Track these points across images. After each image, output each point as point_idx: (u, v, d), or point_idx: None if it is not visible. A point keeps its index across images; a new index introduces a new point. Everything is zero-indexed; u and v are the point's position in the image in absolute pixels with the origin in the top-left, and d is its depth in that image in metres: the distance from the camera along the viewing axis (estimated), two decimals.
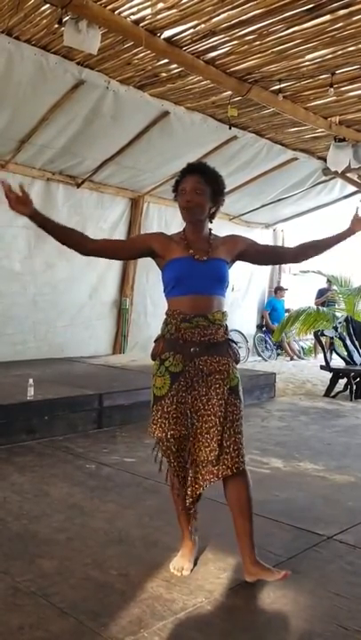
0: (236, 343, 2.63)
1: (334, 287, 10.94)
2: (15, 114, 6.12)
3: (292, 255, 2.84)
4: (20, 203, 2.64)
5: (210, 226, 2.65)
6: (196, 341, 2.46)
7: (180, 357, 2.47)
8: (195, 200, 2.51)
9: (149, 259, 2.66)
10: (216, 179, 2.58)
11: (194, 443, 2.46)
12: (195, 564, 2.57)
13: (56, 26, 4.81)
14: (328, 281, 11.63)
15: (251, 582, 2.42)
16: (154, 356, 2.57)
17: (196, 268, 2.48)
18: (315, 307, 9.57)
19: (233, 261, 2.63)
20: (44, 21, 4.88)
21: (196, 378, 2.46)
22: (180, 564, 2.54)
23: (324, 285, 11.96)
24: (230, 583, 2.45)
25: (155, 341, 2.60)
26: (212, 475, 2.42)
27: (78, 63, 5.65)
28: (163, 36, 5.07)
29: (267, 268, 11.72)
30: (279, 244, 11.96)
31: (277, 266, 12.13)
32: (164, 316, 2.56)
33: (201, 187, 2.52)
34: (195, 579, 2.47)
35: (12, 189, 2.56)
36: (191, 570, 2.53)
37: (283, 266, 12.27)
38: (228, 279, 2.58)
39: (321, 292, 12.11)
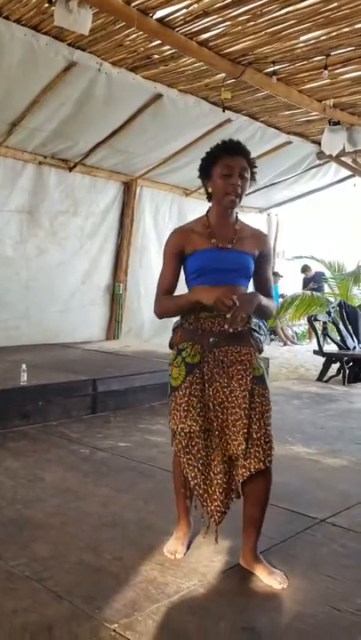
0: (258, 332, 2.48)
1: (323, 271, 10.95)
2: (5, 96, 6.03)
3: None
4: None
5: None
6: (215, 331, 2.34)
7: (198, 348, 2.36)
8: (243, 186, 2.34)
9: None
10: (254, 162, 2.42)
11: (221, 437, 2.33)
12: (188, 547, 2.58)
13: (46, 5, 4.73)
14: (303, 270, 11.72)
15: (244, 567, 2.43)
16: (171, 345, 2.46)
17: (219, 258, 2.35)
18: (308, 292, 9.58)
19: (255, 258, 2.46)
20: (34, 0, 4.79)
21: (216, 369, 2.34)
22: (173, 547, 2.55)
23: (311, 273, 11.99)
24: (224, 566, 2.46)
25: (173, 330, 2.48)
26: (245, 469, 2.30)
27: (69, 44, 5.56)
28: (155, 17, 4.99)
29: None
30: (273, 229, 11.95)
31: (272, 251, 12.09)
32: None
33: (246, 171, 2.35)
34: (188, 562, 2.48)
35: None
36: (185, 553, 2.54)
37: (277, 251, 12.26)
38: (251, 272, 2.43)
39: (305, 282, 12.14)
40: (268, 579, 2.32)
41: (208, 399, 2.35)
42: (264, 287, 2.52)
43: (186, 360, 2.36)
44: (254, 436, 2.31)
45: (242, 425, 2.31)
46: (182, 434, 2.34)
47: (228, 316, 2.19)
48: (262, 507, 2.40)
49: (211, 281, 2.34)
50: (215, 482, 2.34)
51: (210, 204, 2.48)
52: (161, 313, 2.45)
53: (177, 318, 2.50)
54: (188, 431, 2.33)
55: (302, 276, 12.39)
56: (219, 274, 2.34)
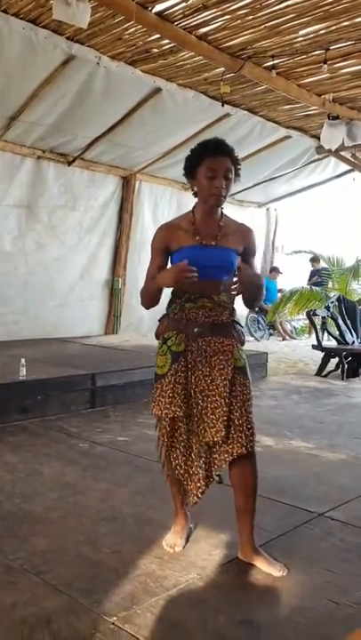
0: (240, 325, 2.57)
1: (322, 265, 10.91)
2: (4, 90, 6.01)
3: None
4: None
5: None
6: (200, 322, 2.43)
7: (182, 337, 2.44)
8: (227, 187, 2.40)
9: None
10: (238, 160, 2.46)
11: (199, 424, 2.42)
12: (187, 540, 2.59)
13: None
14: (312, 260, 11.63)
15: (243, 559, 2.44)
16: (157, 335, 2.55)
17: (203, 255, 2.39)
18: (307, 287, 9.57)
19: (240, 253, 2.51)
20: None
21: (199, 358, 2.43)
22: (172, 540, 2.56)
23: (319, 266, 11.93)
24: (222, 560, 2.47)
25: (159, 320, 2.56)
26: (227, 454, 2.39)
27: (68, 38, 5.54)
28: (154, 10, 4.98)
29: (259, 248, 11.69)
30: (273, 223, 11.95)
31: (270, 245, 12.10)
32: (170, 296, 2.51)
33: (230, 171, 2.39)
34: (187, 555, 2.49)
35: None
36: (183, 547, 2.54)
37: (276, 245, 12.25)
38: (235, 267, 2.44)
39: (312, 274, 12.08)
40: (268, 568, 2.35)
41: (190, 387, 2.43)
42: None
43: (171, 348, 2.44)
44: (236, 423, 2.38)
45: (221, 412, 2.38)
46: (167, 419, 2.43)
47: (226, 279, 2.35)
48: (252, 496, 2.43)
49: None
50: (195, 464, 2.44)
51: (196, 199, 2.50)
52: (142, 302, 2.57)
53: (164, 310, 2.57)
54: (172, 417, 2.42)
55: (310, 268, 12.29)
56: (203, 270, 2.34)
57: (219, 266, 2.41)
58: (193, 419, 2.43)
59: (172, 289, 2.49)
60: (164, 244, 2.48)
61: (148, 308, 2.57)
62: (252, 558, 2.41)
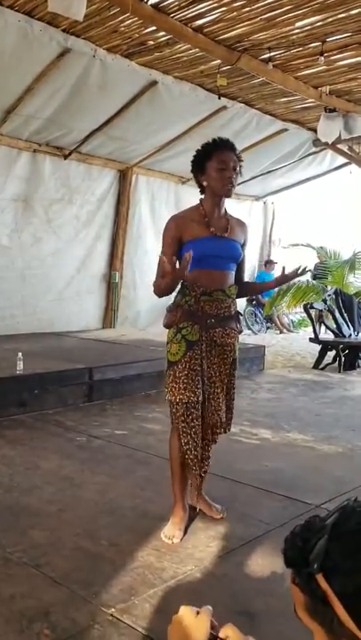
0: (241, 315, 2.81)
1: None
2: None
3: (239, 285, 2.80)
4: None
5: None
6: (213, 314, 2.62)
7: (197, 328, 2.61)
8: (236, 178, 2.62)
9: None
10: (242, 158, 2.70)
11: (207, 408, 2.65)
12: (185, 532, 2.61)
13: None
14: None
15: (240, 551, 2.46)
16: (169, 325, 2.67)
17: (217, 245, 2.61)
18: (304, 280, 9.56)
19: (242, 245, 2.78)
20: None
21: (209, 348, 2.63)
22: (171, 532, 2.58)
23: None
24: (220, 551, 2.49)
25: (169, 311, 2.68)
26: (223, 433, 2.77)
27: (64, 30, 5.50)
28: (150, 2, 4.94)
29: (256, 242, 11.72)
30: (270, 217, 11.93)
31: (267, 239, 12.09)
32: (180, 286, 2.62)
33: (237, 165, 2.63)
34: (185, 547, 2.51)
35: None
36: (181, 539, 2.56)
37: (273, 239, 12.23)
38: (240, 258, 2.75)
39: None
40: (209, 512, 2.76)
41: (203, 374, 2.60)
42: (244, 268, 2.89)
43: (186, 337, 2.61)
44: (230, 407, 2.76)
45: (223, 397, 2.70)
46: (180, 404, 2.59)
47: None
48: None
49: (206, 265, 2.59)
50: (199, 446, 2.64)
51: (202, 196, 2.71)
52: (157, 292, 2.65)
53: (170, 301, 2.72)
54: (186, 402, 2.59)
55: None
56: (217, 259, 2.61)
57: (230, 256, 2.65)
58: (204, 404, 2.62)
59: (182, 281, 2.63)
60: (179, 233, 2.62)
61: (161, 297, 2.68)
62: (196, 502, 2.77)
